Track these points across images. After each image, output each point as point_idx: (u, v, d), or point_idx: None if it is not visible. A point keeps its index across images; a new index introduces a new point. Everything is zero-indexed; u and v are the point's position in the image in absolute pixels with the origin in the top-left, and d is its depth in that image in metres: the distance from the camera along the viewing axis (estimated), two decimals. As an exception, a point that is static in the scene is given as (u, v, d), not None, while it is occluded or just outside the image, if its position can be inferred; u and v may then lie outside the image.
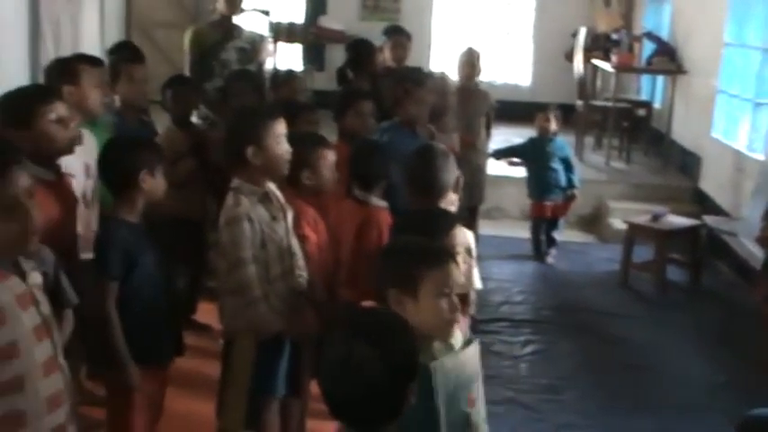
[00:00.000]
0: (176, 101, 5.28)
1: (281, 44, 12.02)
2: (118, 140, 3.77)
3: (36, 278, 2.47)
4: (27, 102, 3.35)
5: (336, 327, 2.11)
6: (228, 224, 3.47)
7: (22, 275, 2.40)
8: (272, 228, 3.55)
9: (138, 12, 11.92)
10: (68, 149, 3.47)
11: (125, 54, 5.35)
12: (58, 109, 3.35)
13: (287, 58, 12.18)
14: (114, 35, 10.62)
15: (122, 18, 11.78)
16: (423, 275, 2.51)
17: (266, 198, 3.56)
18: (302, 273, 3.68)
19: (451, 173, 3.74)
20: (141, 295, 3.31)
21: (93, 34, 10.13)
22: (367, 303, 2.48)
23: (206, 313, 5.23)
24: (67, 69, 4.22)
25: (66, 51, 8.21)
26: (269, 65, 8.76)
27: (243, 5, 6.42)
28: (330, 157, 3.85)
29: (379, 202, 4.06)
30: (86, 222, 3.94)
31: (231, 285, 3.53)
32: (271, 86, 6.27)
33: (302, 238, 3.73)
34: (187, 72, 6.13)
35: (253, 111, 4.05)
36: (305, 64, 12.24)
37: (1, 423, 2.31)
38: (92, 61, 4.45)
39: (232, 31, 6.23)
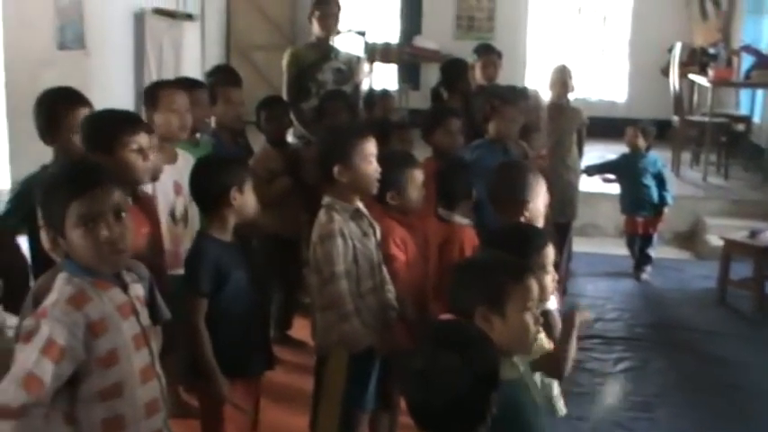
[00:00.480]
0: (269, 121, 5.42)
1: (376, 64, 12.17)
2: (206, 159, 3.79)
3: (138, 290, 2.57)
4: (111, 129, 3.35)
5: (419, 339, 2.17)
6: (322, 240, 3.52)
7: (124, 287, 2.51)
8: (364, 243, 3.60)
9: (237, 35, 12.21)
10: (145, 180, 3.50)
11: (222, 77, 5.47)
12: (141, 140, 3.36)
13: (382, 77, 12.32)
14: (215, 58, 10.93)
15: (223, 41, 12.10)
16: (510, 290, 2.50)
17: (357, 214, 3.62)
18: (390, 287, 3.73)
19: (530, 187, 3.73)
20: (232, 311, 3.36)
21: (194, 58, 10.48)
22: (444, 316, 2.52)
23: (301, 329, 5.33)
24: (149, 93, 4.30)
25: (169, 74, 8.53)
26: (365, 85, 8.85)
27: (339, 27, 6.50)
28: (418, 176, 3.87)
29: (461, 220, 4.10)
30: (175, 239, 4.03)
31: (324, 300, 3.58)
32: (364, 106, 6.38)
33: (389, 257, 3.76)
34: (285, 92, 6.22)
35: (341, 129, 4.12)
36: (400, 83, 12.35)
37: (103, 426, 2.41)
38: (189, 84, 4.56)
39: (329, 52, 6.30)
